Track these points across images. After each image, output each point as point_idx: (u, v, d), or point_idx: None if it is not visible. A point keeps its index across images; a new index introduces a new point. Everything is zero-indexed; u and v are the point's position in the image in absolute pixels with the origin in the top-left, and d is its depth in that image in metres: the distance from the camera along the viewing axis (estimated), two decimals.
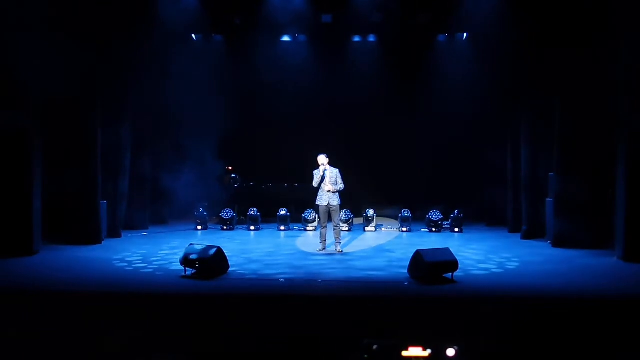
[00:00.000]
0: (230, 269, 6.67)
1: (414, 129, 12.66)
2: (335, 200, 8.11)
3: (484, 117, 11.43)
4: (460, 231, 10.61)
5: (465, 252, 8.21)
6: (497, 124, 11.18)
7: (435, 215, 10.75)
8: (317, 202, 8.19)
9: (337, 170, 8.19)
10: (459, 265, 6.38)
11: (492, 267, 7.14)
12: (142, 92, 10.25)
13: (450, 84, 11.79)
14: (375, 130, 12.97)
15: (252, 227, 10.88)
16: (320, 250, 8.25)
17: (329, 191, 8.05)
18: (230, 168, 12.84)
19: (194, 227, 10.94)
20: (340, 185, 8.15)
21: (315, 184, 8.14)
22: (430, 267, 6.19)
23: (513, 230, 10.41)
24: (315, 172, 8.15)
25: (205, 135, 11.56)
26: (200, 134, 11.47)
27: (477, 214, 11.89)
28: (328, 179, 8.08)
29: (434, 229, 10.69)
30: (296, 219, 11.17)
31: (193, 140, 11.41)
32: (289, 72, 12.23)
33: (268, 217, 11.37)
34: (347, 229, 10.68)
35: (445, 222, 10.86)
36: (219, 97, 11.47)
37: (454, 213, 10.73)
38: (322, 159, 8.11)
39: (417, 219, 11.24)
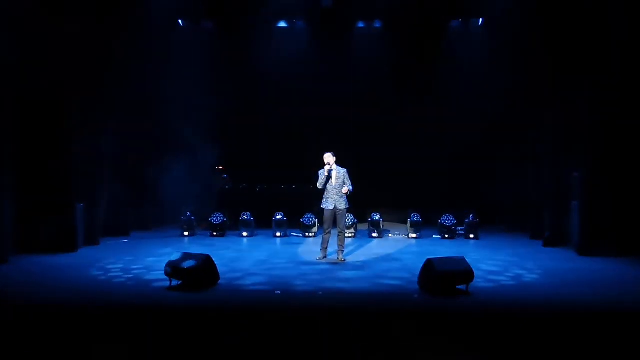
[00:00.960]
0: (220, 280, 6.67)
1: (425, 125, 12.62)
2: (342, 204, 8.09)
3: (503, 112, 11.40)
4: (476, 238, 10.59)
5: (481, 260, 8.19)
6: (517, 119, 11.15)
7: (448, 220, 10.72)
8: (323, 206, 8.15)
9: (345, 170, 8.16)
10: (475, 276, 6.35)
11: (511, 278, 7.11)
12: (126, 85, 10.23)
13: (465, 75, 11.75)
14: (382, 126, 12.93)
15: (245, 234, 10.85)
16: (320, 258, 8.22)
17: (345, 193, 8.00)
18: (220, 167, 12.80)
19: (180, 233, 10.91)
20: (349, 187, 8.12)
21: (319, 185, 8.10)
22: (443, 278, 6.17)
23: (534, 236, 10.39)
24: (320, 172, 8.12)
25: (195, 132, 11.53)
26: (189, 131, 11.44)
27: (494, 218, 11.85)
28: (334, 179, 8.06)
29: (446, 236, 10.66)
30: (294, 224, 11.13)
31: (181, 136, 11.39)
32: (286, 62, 12.19)
33: (263, 222, 11.35)
34: (352, 235, 10.66)
35: (459, 228, 10.84)
36: (209, 90, 11.44)
37: (468, 218, 10.71)
38: (328, 158, 8.08)
39: (428, 224, 11.22)
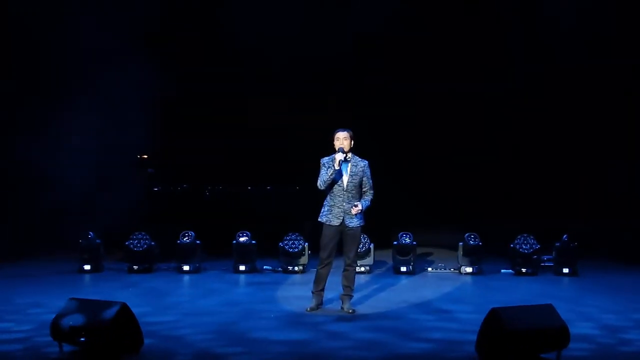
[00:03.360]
0: (145, 344, 6.67)
1: (485, 98, 12.80)
2: (355, 219, 8.09)
3: (606, 74, 11.52)
4: (574, 273, 10.68)
5: (584, 312, 8.28)
6: (629, 85, 11.24)
7: (525, 244, 10.78)
8: (323, 219, 8.13)
9: (366, 163, 8.14)
10: (571, 337, 6.39)
11: (633, 340, 7.15)
12: None
13: (549, 21, 11.87)
14: (416, 100, 13.04)
15: (187, 267, 10.90)
16: (312, 309, 8.23)
17: (355, 213, 7.95)
18: (145, 156, 12.83)
19: (77, 267, 10.94)
20: (369, 194, 8.13)
21: (321, 183, 8.03)
22: (517, 340, 6.20)
23: None
24: (324, 160, 8.08)
25: (105, 99, 11.61)
26: (96, 98, 11.59)
27: (600, 243, 11.94)
28: (347, 176, 8.03)
29: (523, 270, 10.73)
30: (270, 252, 11.20)
31: (82, 110, 11.44)
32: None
33: (217, 249, 11.43)
34: (366, 270, 10.70)
35: (546, 257, 10.96)
36: (134, 33, 11.63)
37: (560, 240, 10.78)
38: (342, 139, 8.00)
39: (492, 251, 11.32)
